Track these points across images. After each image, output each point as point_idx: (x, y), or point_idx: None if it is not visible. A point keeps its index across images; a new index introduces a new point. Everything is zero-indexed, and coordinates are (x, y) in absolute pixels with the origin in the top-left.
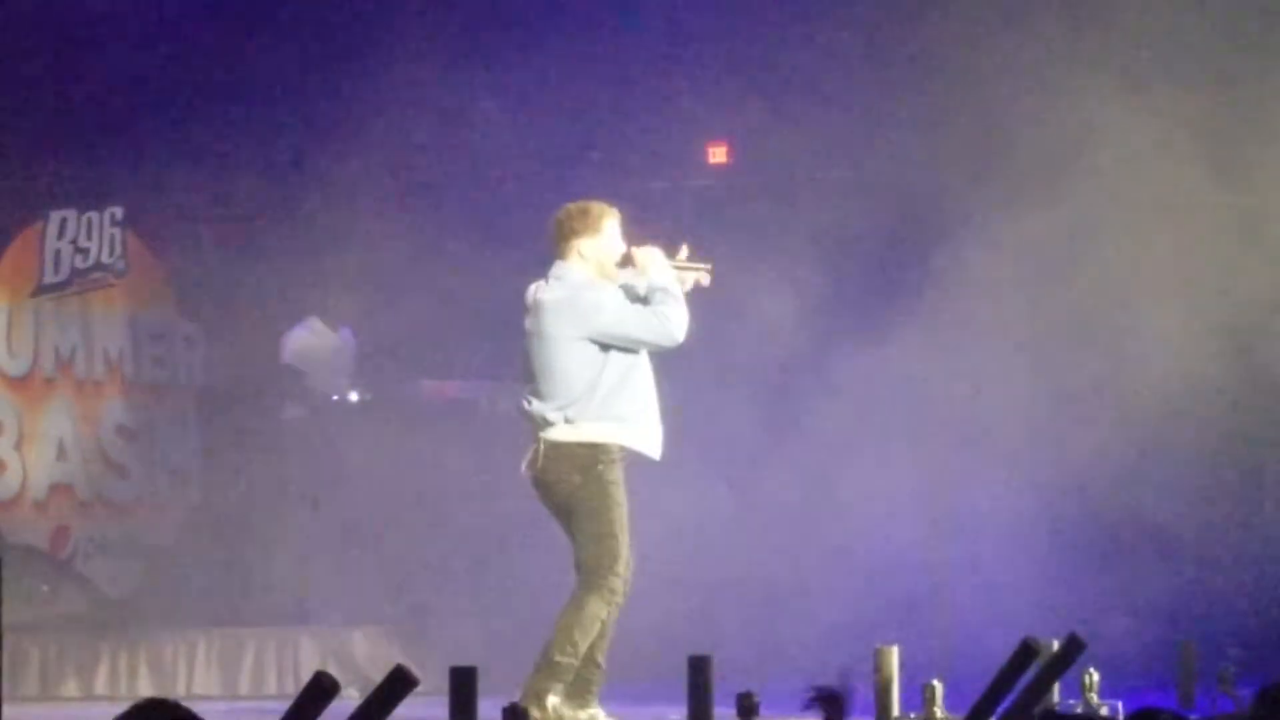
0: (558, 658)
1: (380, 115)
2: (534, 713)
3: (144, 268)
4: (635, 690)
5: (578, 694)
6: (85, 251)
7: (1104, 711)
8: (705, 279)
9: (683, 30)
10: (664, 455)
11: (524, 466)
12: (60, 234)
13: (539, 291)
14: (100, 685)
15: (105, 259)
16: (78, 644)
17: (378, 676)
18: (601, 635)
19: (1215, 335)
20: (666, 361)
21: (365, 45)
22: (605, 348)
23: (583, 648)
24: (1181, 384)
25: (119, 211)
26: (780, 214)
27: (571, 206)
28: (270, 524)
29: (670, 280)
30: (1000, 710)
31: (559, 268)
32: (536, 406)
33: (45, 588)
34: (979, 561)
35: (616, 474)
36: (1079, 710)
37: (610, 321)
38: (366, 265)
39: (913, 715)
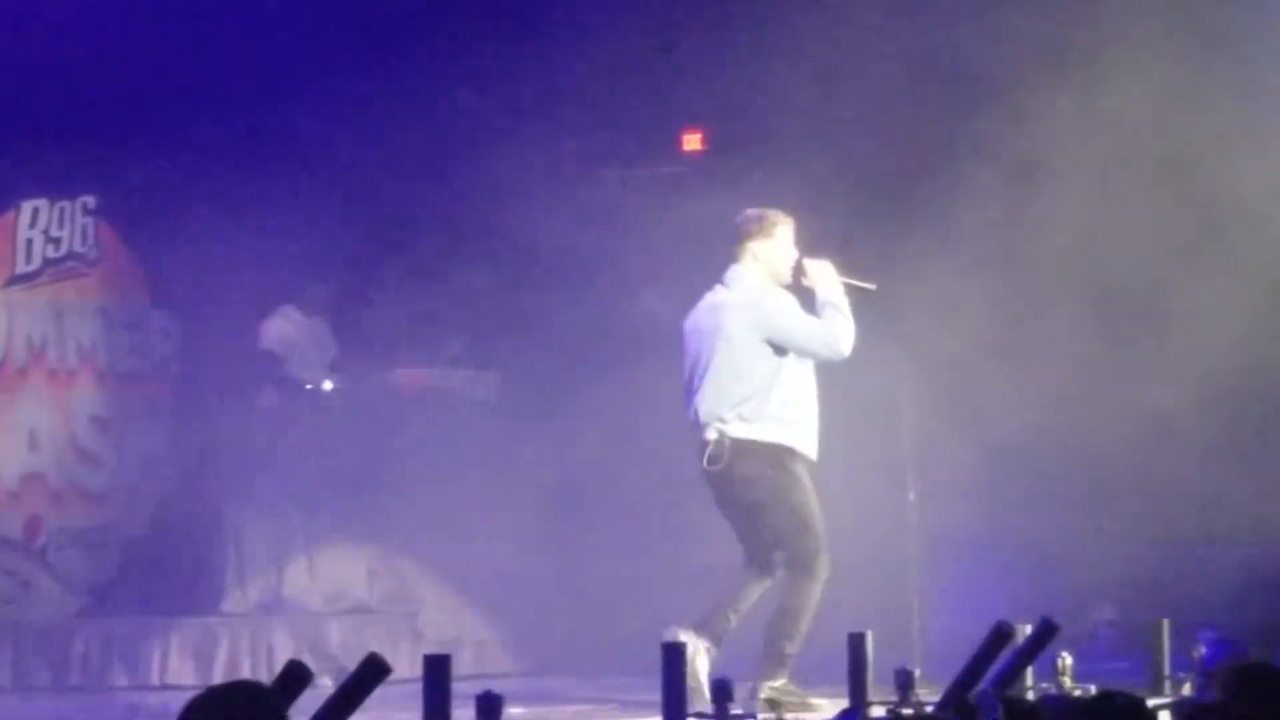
0: (787, 649)
1: (351, 103)
2: (768, 701)
3: (116, 257)
4: (613, 680)
5: (704, 630)
6: (57, 241)
7: (1076, 694)
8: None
9: (658, 15)
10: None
11: (704, 463)
12: (32, 224)
13: (717, 295)
14: (74, 675)
15: (78, 248)
16: (51, 634)
17: (351, 665)
18: (740, 602)
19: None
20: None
21: (337, 28)
22: (781, 352)
23: (805, 633)
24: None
25: (91, 201)
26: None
27: (750, 211)
28: (247, 513)
29: (839, 296)
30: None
31: (734, 271)
32: (711, 404)
33: (18, 578)
34: (955, 546)
35: (800, 468)
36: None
37: (787, 328)
38: (340, 253)
39: (890, 699)
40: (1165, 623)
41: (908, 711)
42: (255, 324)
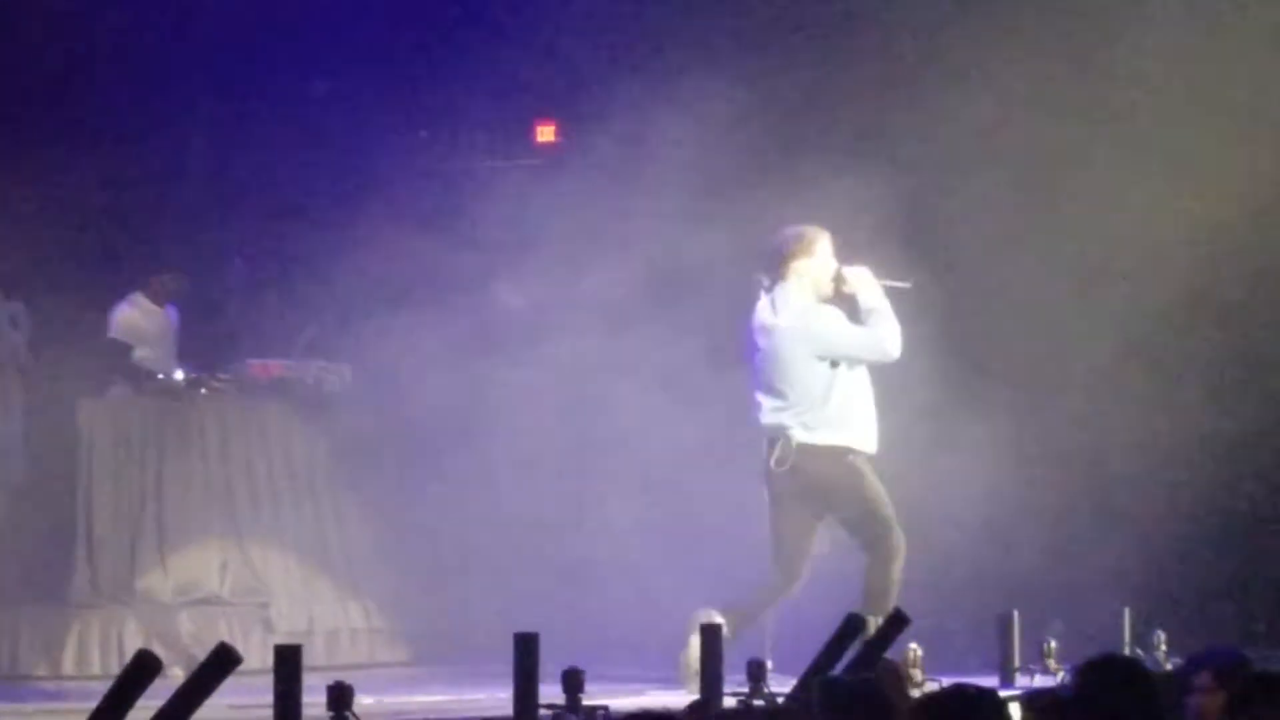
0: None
1: (208, 93)
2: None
3: None
4: (466, 670)
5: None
6: None
7: (929, 686)
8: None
9: (509, 6)
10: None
11: (772, 463)
12: None
13: (765, 315)
14: None
15: None
16: None
17: (202, 655)
18: (779, 593)
19: None
20: (487, 345)
21: (188, 23)
22: (834, 364)
23: (887, 607)
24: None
25: None
26: (610, 194)
27: (788, 231)
28: (99, 502)
29: (880, 299)
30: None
31: (781, 291)
32: (775, 417)
33: None
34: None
35: (862, 462)
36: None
37: (838, 344)
38: (192, 243)
39: (742, 689)
40: (1016, 614)
41: (759, 703)
42: (105, 313)
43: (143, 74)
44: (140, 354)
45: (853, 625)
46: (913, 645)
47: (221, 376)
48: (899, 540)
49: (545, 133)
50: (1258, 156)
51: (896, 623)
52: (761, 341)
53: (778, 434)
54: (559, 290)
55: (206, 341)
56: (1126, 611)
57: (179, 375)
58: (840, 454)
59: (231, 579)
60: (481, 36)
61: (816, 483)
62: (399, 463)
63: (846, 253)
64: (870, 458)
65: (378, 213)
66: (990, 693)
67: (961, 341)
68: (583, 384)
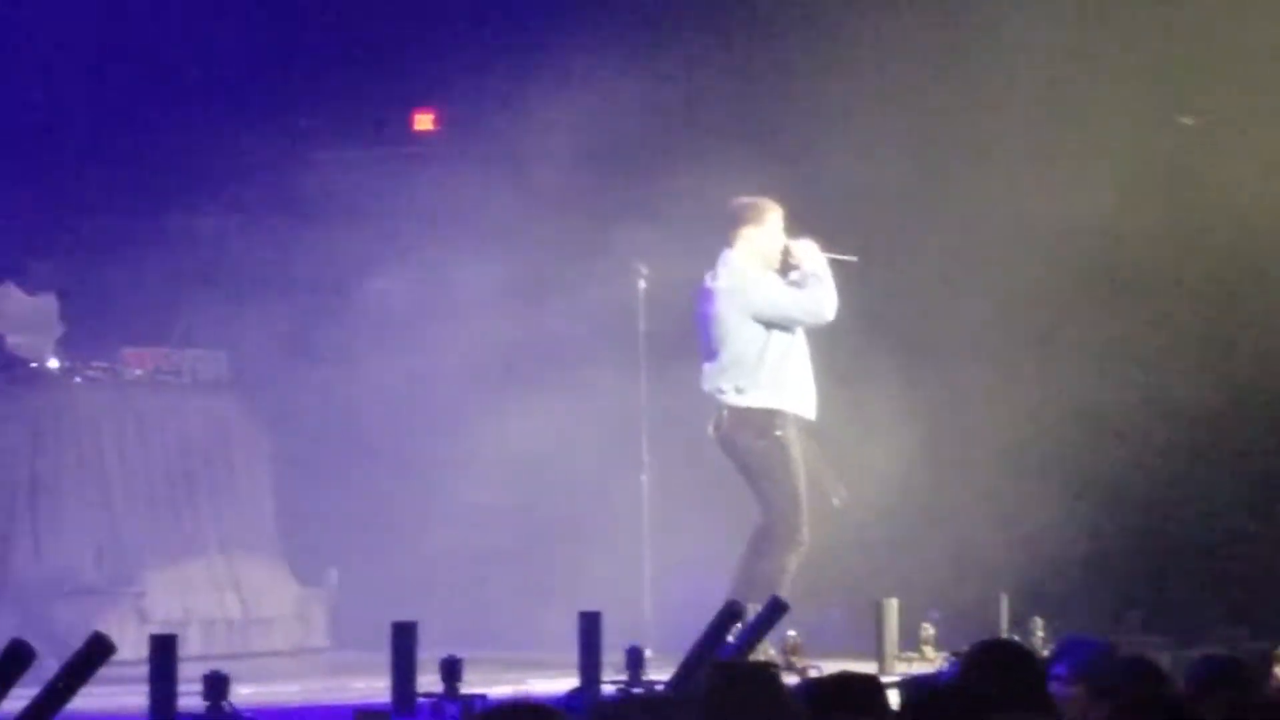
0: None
1: (89, 76)
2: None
3: None
4: (344, 658)
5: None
6: None
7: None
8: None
9: None
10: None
11: (710, 429)
12: None
13: (708, 280)
14: None
15: None
16: None
17: (77, 645)
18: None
19: None
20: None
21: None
22: (768, 327)
23: (782, 592)
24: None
25: None
26: (490, 182)
27: (742, 199)
28: None
29: (821, 266)
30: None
31: (725, 255)
32: (712, 381)
33: None
34: (687, 526)
35: (791, 435)
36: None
37: (771, 303)
38: (67, 230)
39: (621, 677)
40: (894, 602)
41: (638, 690)
42: None
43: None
44: (13, 341)
45: (732, 612)
46: (791, 632)
47: (97, 364)
48: (804, 538)
49: (424, 121)
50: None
51: (776, 609)
52: (702, 306)
53: (714, 399)
54: (437, 277)
55: (82, 329)
56: (1004, 598)
57: (54, 363)
58: (771, 420)
59: (106, 568)
60: (361, 23)
61: (742, 454)
62: (276, 451)
63: (796, 229)
64: (805, 424)
65: (256, 201)
66: (871, 678)
67: (844, 328)
68: (463, 372)
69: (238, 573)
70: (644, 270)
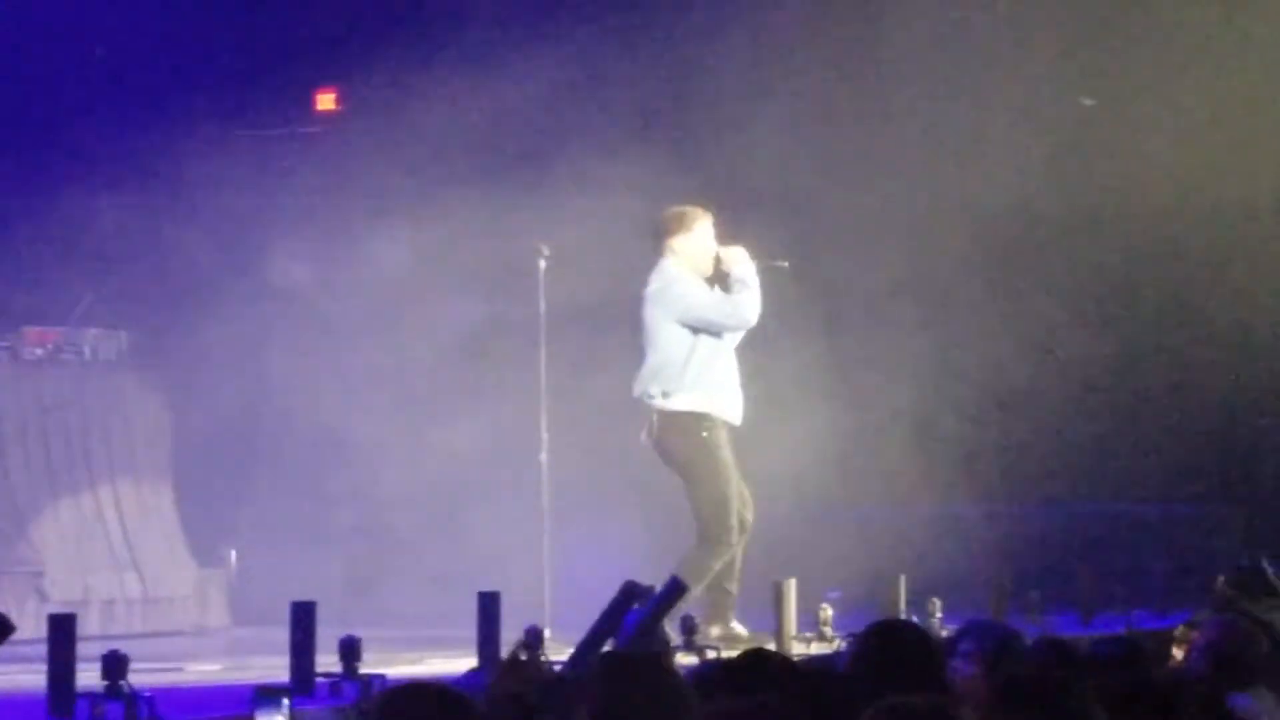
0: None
1: None
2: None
3: None
4: (243, 638)
5: (715, 617)
6: None
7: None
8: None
9: None
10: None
11: (642, 435)
12: None
13: (643, 287)
14: None
15: None
16: None
17: None
18: (730, 566)
19: None
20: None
21: None
22: (695, 332)
23: (696, 591)
24: None
25: None
26: (391, 162)
27: (670, 209)
28: None
29: (749, 273)
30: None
31: (658, 264)
32: (642, 385)
33: None
34: (587, 506)
35: (719, 438)
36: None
37: (694, 306)
38: None
39: (522, 656)
40: (793, 583)
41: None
42: None
43: None
44: None
45: (630, 593)
46: (691, 614)
47: None
48: (732, 540)
49: (325, 100)
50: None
51: (675, 590)
52: (637, 313)
53: (644, 404)
54: (338, 257)
55: None
56: (902, 578)
57: None
58: (698, 424)
59: (5, 548)
60: (262, 4)
61: (672, 458)
62: (176, 431)
63: (727, 233)
64: (732, 429)
65: (158, 181)
66: (781, 657)
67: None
68: (363, 351)
69: (137, 553)
70: (545, 250)
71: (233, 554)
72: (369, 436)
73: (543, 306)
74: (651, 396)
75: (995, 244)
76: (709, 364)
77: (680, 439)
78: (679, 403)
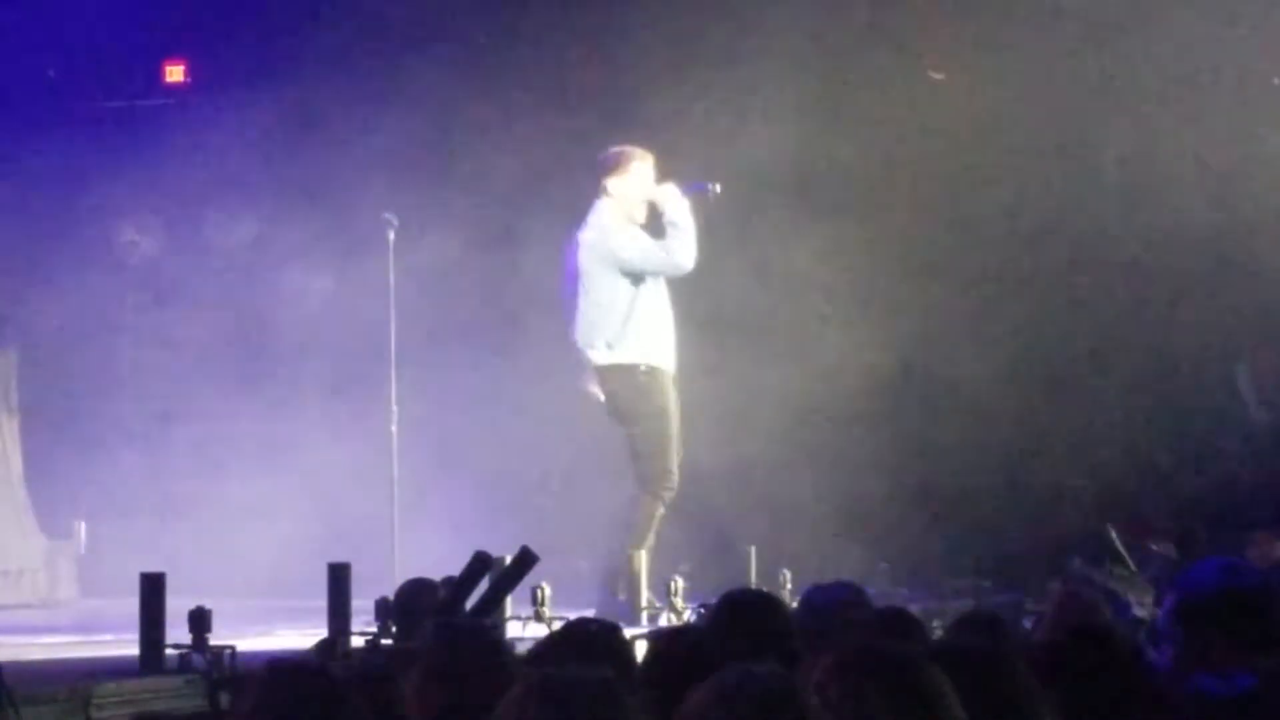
0: (626, 550)
1: None
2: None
3: None
4: (92, 610)
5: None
6: None
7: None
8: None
9: None
10: None
11: (584, 385)
12: None
13: (577, 232)
14: None
15: None
16: None
17: None
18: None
19: None
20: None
21: None
22: (635, 279)
23: (647, 541)
24: None
25: None
26: (240, 134)
27: (610, 150)
28: None
29: (683, 214)
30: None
31: (592, 207)
32: (583, 335)
33: None
34: (436, 476)
35: (661, 383)
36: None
37: (632, 258)
38: None
39: (370, 629)
40: (643, 554)
41: (386, 641)
42: None
43: None
44: None
45: (481, 563)
46: (542, 584)
47: None
48: (672, 484)
49: (174, 73)
50: None
51: (525, 561)
52: (569, 259)
53: (584, 353)
54: (187, 230)
55: None
56: (752, 550)
57: None
58: (639, 375)
59: None
60: None
61: (616, 404)
62: (22, 404)
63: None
64: (671, 377)
65: (4, 153)
66: (612, 626)
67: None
68: (214, 324)
69: (53, 522)
70: (394, 221)
71: (81, 526)
72: (217, 407)
73: (392, 278)
74: (593, 348)
75: (858, 225)
76: (648, 311)
77: (622, 386)
78: (620, 354)
